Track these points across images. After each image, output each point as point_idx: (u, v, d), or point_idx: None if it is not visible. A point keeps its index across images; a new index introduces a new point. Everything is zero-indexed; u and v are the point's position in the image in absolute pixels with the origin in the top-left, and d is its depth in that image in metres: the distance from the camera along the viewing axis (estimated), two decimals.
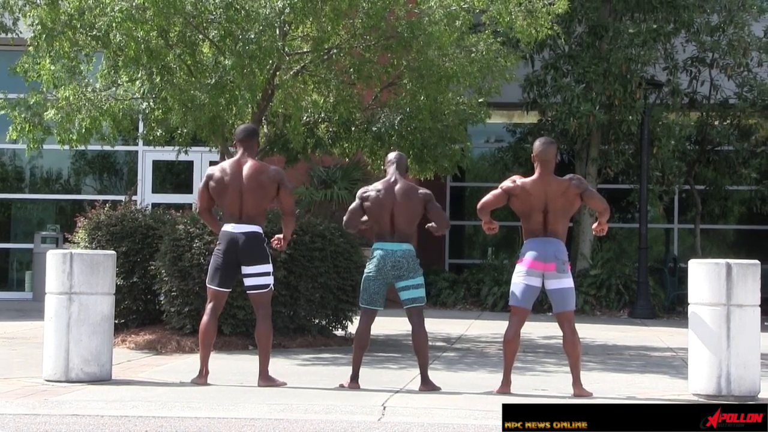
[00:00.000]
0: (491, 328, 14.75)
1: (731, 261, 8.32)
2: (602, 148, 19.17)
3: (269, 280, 8.55)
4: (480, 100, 12.84)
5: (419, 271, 8.54)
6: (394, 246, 8.49)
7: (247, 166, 8.51)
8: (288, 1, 10.80)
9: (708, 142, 19.92)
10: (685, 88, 19.36)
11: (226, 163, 8.64)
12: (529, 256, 8.23)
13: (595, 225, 8.56)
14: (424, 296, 8.60)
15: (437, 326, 14.71)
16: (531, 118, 20.08)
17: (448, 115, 12.29)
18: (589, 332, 14.16)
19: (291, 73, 11.89)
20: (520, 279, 8.29)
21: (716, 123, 19.79)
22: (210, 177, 8.57)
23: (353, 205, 8.68)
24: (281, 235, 8.73)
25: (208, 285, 8.63)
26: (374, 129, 12.20)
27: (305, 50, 11.96)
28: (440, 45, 11.13)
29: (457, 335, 13.82)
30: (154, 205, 17.17)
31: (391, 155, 8.82)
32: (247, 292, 8.66)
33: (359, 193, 8.66)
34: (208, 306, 8.61)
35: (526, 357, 11.20)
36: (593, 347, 12.58)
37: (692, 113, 20.06)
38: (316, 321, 11.97)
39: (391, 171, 8.65)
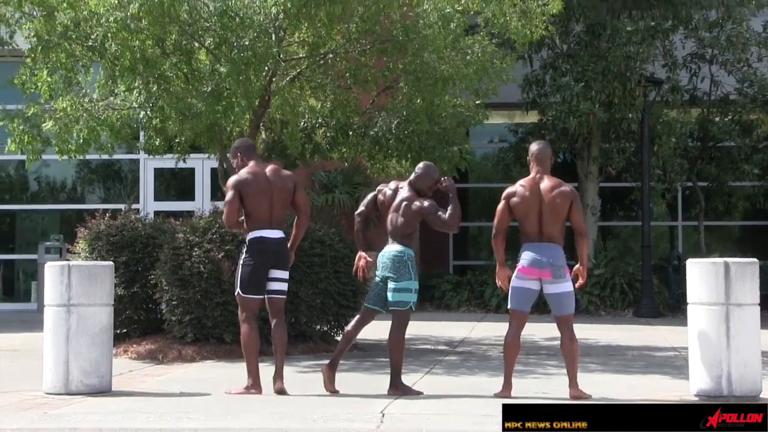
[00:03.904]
0: (494, 330, 14.72)
1: (729, 260, 8.29)
2: (603, 146, 19.13)
3: (286, 286, 8.69)
4: (477, 102, 12.83)
5: (406, 275, 8.47)
6: (388, 248, 8.55)
7: (271, 171, 8.56)
8: (282, 7, 10.79)
9: (709, 138, 19.88)
10: (685, 85, 19.33)
11: (249, 171, 8.58)
12: (525, 261, 8.21)
13: (576, 268, 8.37)
14: (408, 302, 8.48)
15: (441, 329, 14.70)
16: (531, 117, 20.05)
17: (445, 117, 12.28)
18: (593, 333, 14.12)
19: (287, 79, 11.89)
20: (517, 283, 8.28)
21: (717, 119, 19.76)
22: (240, 186, 8.49)
23: (367, 202, 8.80)
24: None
25: (244, 294, 8.54)
26: (372, 133, 12.19)
27: (301, 56, 11.94)
28: (436, 48, 11.12)
29: (460, 338, 13.80)
30: (157, 213, 17.19)
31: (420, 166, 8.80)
32: (271, 296, 8.61)
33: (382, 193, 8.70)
34: (246, 315, 8.56)
35: (528, 359, 11.18)
36: (596, 348, 12.55)
37: (693, 110, 20.02)
38: (317, 327, 11.96)
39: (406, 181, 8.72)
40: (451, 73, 11.40)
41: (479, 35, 11.89)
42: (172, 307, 11.30)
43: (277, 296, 8.62)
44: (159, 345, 11.45)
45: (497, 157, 20.41)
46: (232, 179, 8.65)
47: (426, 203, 8.55)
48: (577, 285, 8.37)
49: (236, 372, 9.91)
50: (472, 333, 14.63)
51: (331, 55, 11.78)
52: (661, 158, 18.53)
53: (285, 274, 8.63)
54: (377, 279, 8.62)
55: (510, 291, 8.33)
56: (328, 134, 12.52)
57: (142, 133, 13.20)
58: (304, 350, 11.62)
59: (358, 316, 8.79)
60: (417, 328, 12.72)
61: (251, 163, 8.68)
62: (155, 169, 19.69)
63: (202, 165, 19.12)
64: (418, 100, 11.69)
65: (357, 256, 8.84)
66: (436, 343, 13.02)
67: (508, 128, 21.71)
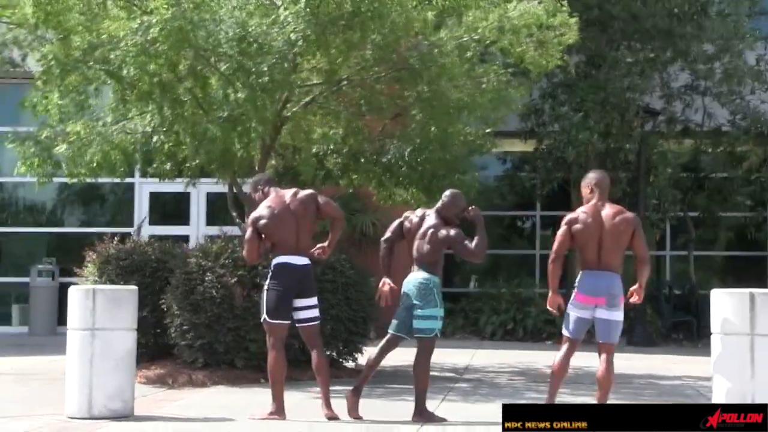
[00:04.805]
0: (495, 358, 14.77)
1: (754, 290, 8.34)
2: None
3: (318, 312, 8.65)
4: (487, 131, 12.90)
5: (432, 303, 8.51)
6: (414, 275, 8.59)
7: (291, 199, 8.55)
8: (301, 34, 10.81)
9: (701, 169, 20.06)
10: (679, 116, 19.51)
11: (268, 204, 8.57)
12: (582, 289, 8.23)
13: (634, 288, 8.41)
14: (434, 329, 8.53)
15: (441, 356, 14.62)
16: (526, 146, 20.14)
17: (456, 145, 12.33)
18: (591, 360, 14.08)
19: (300, 105, 11.91)
20: (574, 311, 8.30)
21: (710, 150, 19.94)
22: (257, 222, 8.50)
23: (393, 228, 8.86)
24: (323, 244, 8.73)
25: (270, 320, 8.49)
26: (384, 160, 12.22)
27: (315, 82, 11.98)
28: (452, 76, 11.16)
29: (464, 365, 13.81)
30: (151, 237, 17.10)
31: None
32: (303, 325, 8.59)
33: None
34: (273, 341, 8.53)
35: (539, 387, 11.19)
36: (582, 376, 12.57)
37: (686, 141, 20.19)
38: (327, 353, 11.92)
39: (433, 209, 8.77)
40: (466, 101, 11.45)
41: (494, 64, 11.96)
42: (182, 331, 11.26)
43: (308, 324, 8.61)
44: (169, 369, 11.40)
45: (493, 185, 20.49)
46: (251, 216, 8.67)
47: (453, 232, 8.58)
48: (631, 300, 8.39)
49: (253, 398, 9.88)
50: (473, 360, 14.64)
51: (345, 82, 11.82)
52: (657, 188, 18.67)
53: (312, 301, 8.61)
54: (402, 306, 8.63)
55: (565, 317, 8.36)
56: (340, 161, 12.53)
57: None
58: (313, 376, 11.54)
59: (382, 343, 8.79)
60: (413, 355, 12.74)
61: (272, 195, 8.68)
62: (150, 193, 19.61)
63: (197, 190, 19.08)
64: (432, 128, 11.73)
65: (381, 282, 8.84)
66: (441, 370, 13.01)
67: (500, 157, 21.79)
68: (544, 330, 18.39)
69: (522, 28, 11.33)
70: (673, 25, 18.32)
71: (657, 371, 13.46)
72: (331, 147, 12.50)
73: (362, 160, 12.49)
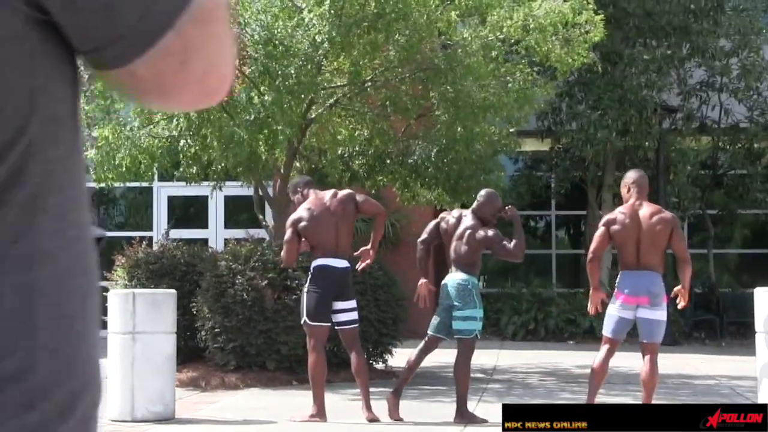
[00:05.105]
0: (520, 358, 14.74)
1: None
2: (616, 174, 19.22)
3: (357, 314, 8.63)
4: (511, 130, 12.90)
5: (471, 304, 8.52)
6: (452, 276, 8.56)
7: (330, 200, 8.53)
8: (327, 36, 10.83)
9: (719, 166, 20.04)
10: (695, 113, 19.49)
11: (307, 206, 8.56)
12: (623, 289, 8.22)
13: (678, 289, 8.36)
14: (473, 330, 8.57)
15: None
16: (541, 145, 20.13)
17: (482, 145, 12.32)
18: (619, 360, 14.09)
19: (325, 106, 11.92)
20: (614, 311, 8.28)
21: (728, 147, 19.91)
22: (297, 224, 8.48)
23: (430, 229, 8.84)
24: (366, 248, 8.71)
25: (311, 323, 8.46)
26: (410, 161, 12.22)
27: (340, 84, 11.98)
28: (478, 76, 11.16)
29: (491, 366, 13.78)
30: (176, 240, 17.11)
31: None
32: (343, 328, 8.57)
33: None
34: (314, 343, 8.50)
35: (571, 387, 11.18)
36: (633, 376, 12.54)
37: (703, 137, 20.16)
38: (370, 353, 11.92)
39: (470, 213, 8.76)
40: (492, 101, 11.45)
41: (520, 63, 11.95)
42: (214, 334, 11.26)
43: (348, 327, 8.59)
44: (201, 372, 11.40)
45: (508, 185, 20.43)
46: (290, 218, 8.65)
47: (491, 232, 8.57)
48: (680, 306, 8.39)
49: (287, 400, 9.88)
50: (499, 361, 14.61)
51: (369, 83, 11.82)
52: (676, 186, 18.64)
53: (351, 304, 8.59)
54: (441, 307, 8.62)
55: (606, 317, 8.33)
56: (366, 162, 12.52)
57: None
58: (346, 378, 11.54)
59: (421, 344, 8.77)
60: (442, 356, 12.69)
61: (311, 197, 8.66)
62: (169, 196, 19.62)
63: (215, 193, 19.05)
64: (459, 128, 11.72)
65: (419, 283, 8.83)
66: (471, 371, 12.97)
67: (515, 156, 21.76)
68: (565, 330, 18.36)
69: (548, 26, 11.31)
70: (690, 21, 18.30)
71: (686, 371, 13.42)
72: (357, 148, 12.49)
73: (388, 161, 12.48)
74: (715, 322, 19.26)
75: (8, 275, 0.96)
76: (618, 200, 19.38)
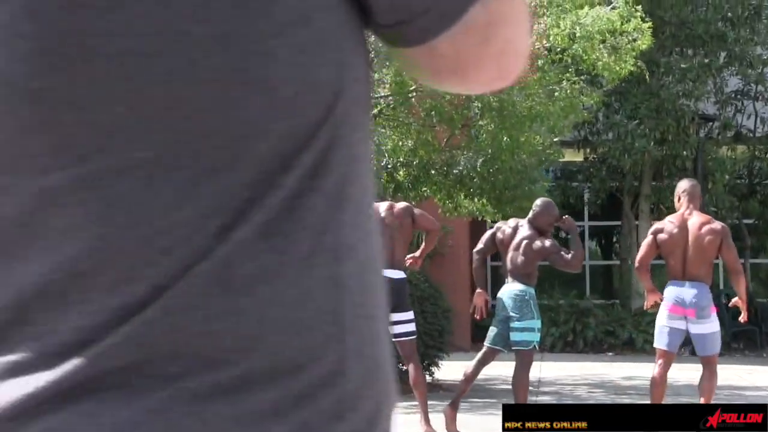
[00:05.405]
0: (562, 370, 14.59)
1: None
2: (653, 184, 19.06)
3: (414, 326, 8.46)
4: (555, 139, 12.77)
5: (529, 315, 8.40)
6: (509, 287, 8.45)
7: (386, 212, 8.42)
8: (372, 46, 10.71)
9: (755, 175, 19.84)
10: (731, 121, 19.32)
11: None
12: (670, 300, 8.09)
13: (736, 301, 8.25)
14: (532, 341, 8.48)
15: (504, 369, 14.48)
16: (576, 155, 19.96)
17: (527, 155, 12.20)
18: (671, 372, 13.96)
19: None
20: (665, 322, 8.16)
21: (764, 156, 19.73)
22: None
23: (485, 240, 8.80)
24: (414, 254, 8.67)
25: None
26: (455, 171, 12.09)
27: (383, 94, 11.88)
28: (525, 85, 11.05)
29: (535, 378, 13.60)
30: None
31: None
32: (400, 340, 8.41)
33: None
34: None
35: (622, 399, 11.02)
36: (680, 387, 12.38)
37: (738, 146, 19.98)
38: (404, 368, 11.78)
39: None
40: (538, 110, 11.32)
41: (568, 72, 11.82)
42: None
43: (406, 338, 8.47)
44: None
45: (546, 195, 20.28)
46: None
47: (548, 243, 8.43)
48: (741, 320, 8.31)
49: None
50: (541, 373, 14.45)
51: (414, 94, 11.71)
52: (714, 196, 18.46)
53: (408, 315, 8.48)
54: (497, 318, 8.50)
55: (657, 330, 8.22)
56: (411, 173, 12.41)
57: None
58: (401, 390, 11.41)
59: (478, 356, 8.66)
60: (486, 369, 12.59)
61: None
62: None
63: None
64: (504, 138, 11.59)
65: (476, 294, 8.72)
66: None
67: (547, 167, 21.61)
68: (605, 341, 18.19)
69: (595, 34, 11.18)
70: (726, 29, 18.14)
71: (732, 381, 13.22)
72: (401, 159, 12.38)
73: (432, 172, 12.36)
74: (754, 333, 19.04)
75: (318, 268, 0.85)
76: (658, 211, 19.29)
